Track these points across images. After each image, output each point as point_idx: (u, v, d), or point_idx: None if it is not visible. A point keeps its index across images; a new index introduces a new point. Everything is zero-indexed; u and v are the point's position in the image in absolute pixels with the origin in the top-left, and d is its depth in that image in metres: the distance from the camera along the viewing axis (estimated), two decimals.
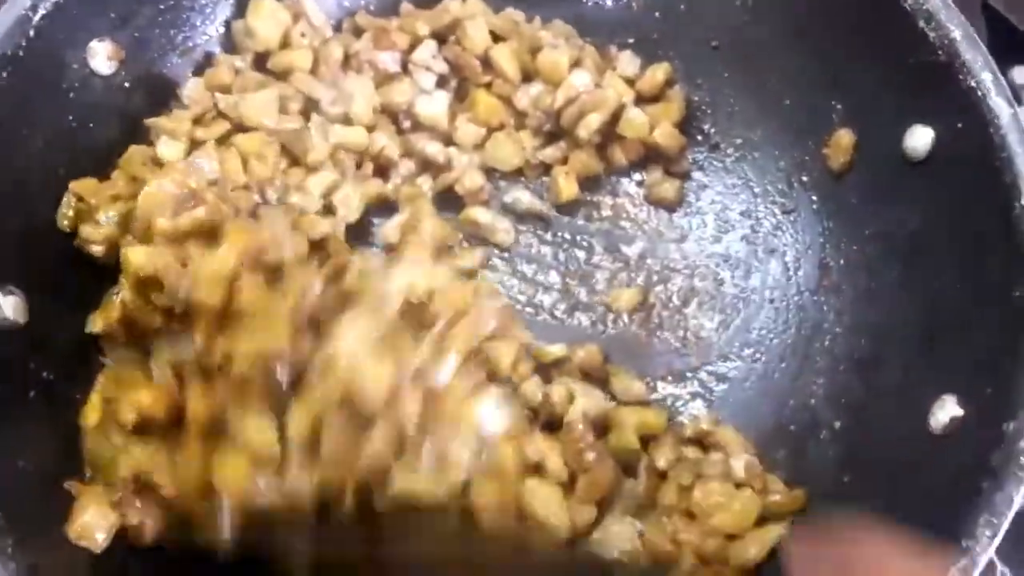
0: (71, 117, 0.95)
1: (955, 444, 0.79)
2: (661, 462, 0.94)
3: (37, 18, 0.89)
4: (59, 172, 0.93)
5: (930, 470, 0.80)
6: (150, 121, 1.01)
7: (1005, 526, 0.71)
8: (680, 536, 0.89)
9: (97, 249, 0.92)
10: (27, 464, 0.81)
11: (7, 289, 0.85)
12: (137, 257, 0.85)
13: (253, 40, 1.06)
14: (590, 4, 1.14)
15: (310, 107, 1.05)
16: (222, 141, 1.01)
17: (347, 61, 1.07)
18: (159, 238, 0.86)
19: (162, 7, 1.02)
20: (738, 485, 0.91)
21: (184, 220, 0.87)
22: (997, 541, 0.70)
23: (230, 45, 1.09)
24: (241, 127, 1.03)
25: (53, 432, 0.86)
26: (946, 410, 0.81)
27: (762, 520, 0.90)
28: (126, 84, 1.00)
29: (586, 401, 0.95)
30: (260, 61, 1.08)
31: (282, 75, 1.06)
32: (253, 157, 1.00)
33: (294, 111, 1.04)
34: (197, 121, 1.03)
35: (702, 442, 0.96)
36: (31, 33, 0.89)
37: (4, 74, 0.87)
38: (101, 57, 0.97)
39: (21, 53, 0.88)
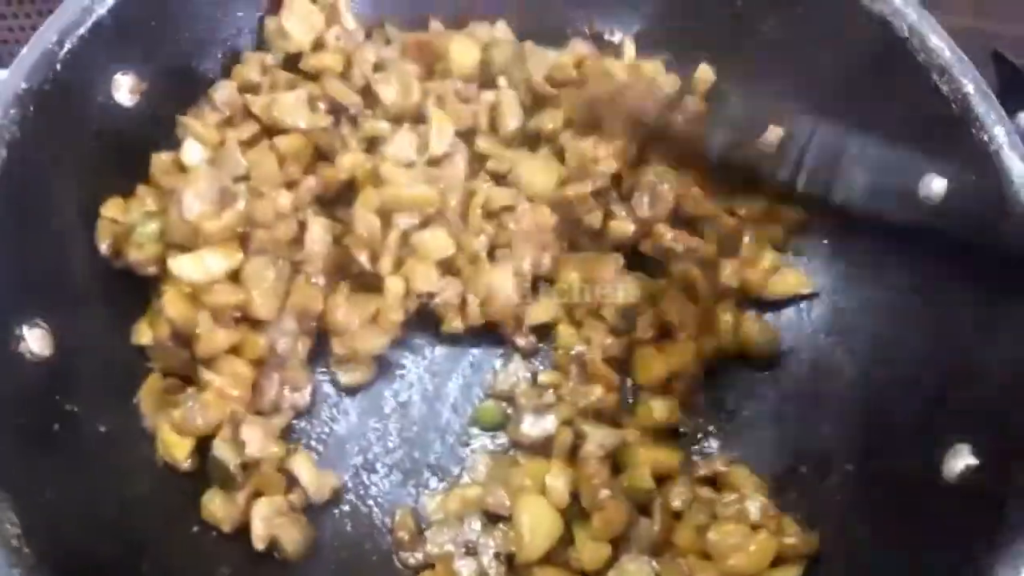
0: (95, 149, 0.95)
1: (969, 494, 0.80)
2: (676, 502, 0.95)
3: (63, 52, 0.90)
4: (86, 205, 0.94)
5: (944, 519, 0.81)
6: (182, 119, 1.02)
7: None
8: None
9: (150, 270, 0.95)
10: (53, 496, 0.81)
11: (33, 322, 0.86)
12: (182, 267, 0.91)
13: (286, 40, 1.06)
14: None
15: (339, 108, 1.06)
16: (251, 143, 1.02)
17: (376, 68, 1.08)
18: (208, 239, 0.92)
19: (185, 38, 1.03)
20: (753, 527, 0.92)
21: (228, 217, 0.92)
22: None
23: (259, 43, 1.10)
24: (272, 129, 1.03)
25: (77, 465, 0.86)
26: (960, 458, 0.82)
27: (777, 561, 0.91)
28: (148, 113, 1.01)
29: (601, 434, 0.96)
30: (289, 61, 1.08)
31: (313, 76, 1.07)
32: (290, 157, 1.02)
33: (322, 111, 1.05)
34: (227, 122, 1.04)
35: (715, 482, 0.97)
36: (57, 67, 0.89)
37: (31, 108, 0.87)
38: (124, 90, 0.98)
39: (47, 87, 0.89)
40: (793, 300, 1.07)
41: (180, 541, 0.91)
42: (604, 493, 0.92)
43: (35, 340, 0.85)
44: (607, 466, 0.94)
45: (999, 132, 0.86)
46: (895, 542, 0.85)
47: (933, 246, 0.92)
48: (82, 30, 0.90)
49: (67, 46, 0.90)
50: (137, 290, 0.98)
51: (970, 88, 0.88)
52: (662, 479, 0.96)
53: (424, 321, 1.04)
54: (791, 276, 1.07)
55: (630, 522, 0.93)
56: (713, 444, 1.03)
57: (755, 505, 0.92)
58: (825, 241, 1.07)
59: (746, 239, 1.06)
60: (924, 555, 0.80)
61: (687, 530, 0.93)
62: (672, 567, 0.91)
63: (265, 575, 0.93)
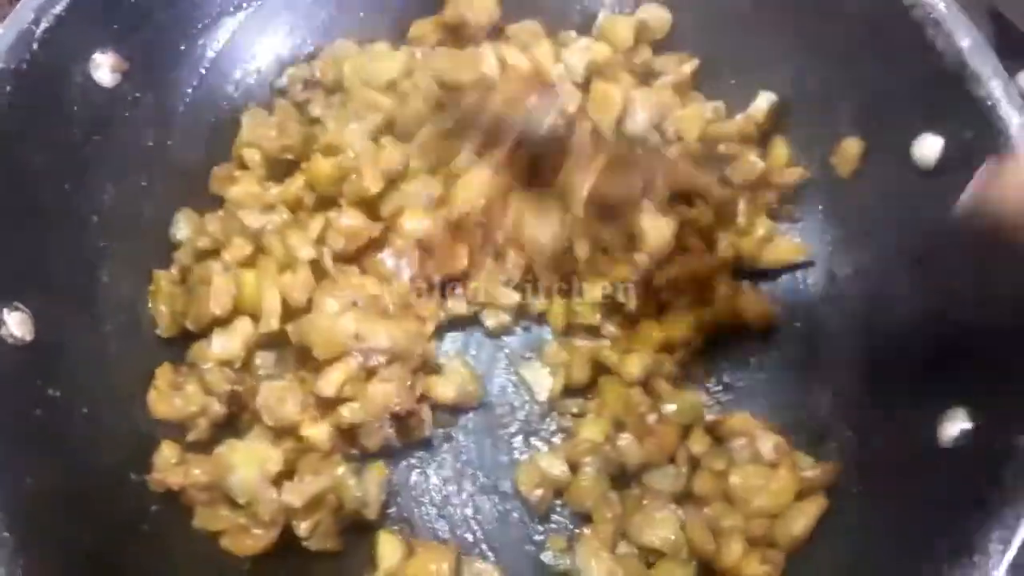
0: (76, 130, 0.95)
1: (965, 457, 0.79)
2: (695, 447, 0.94)
3: (40, 31, 0.89)
4: (65, 187, 0.93)
5: (941, 483, 0.80)
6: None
7: (1018, 541, 0.70)
8: (724, 524, 0.90)
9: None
10: (33, 482, 0.80)
11: (13, 306, 0.85)
12: None
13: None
14: None
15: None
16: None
17: None
18: None
19: (165, 17, 1.02)
20: (770, 465, 0.92)
21: None
22: (1010, 556, 0.70)
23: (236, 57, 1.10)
24: None
25: (59, 450, 0.86)
26: (956, 422, 0.80)
27: (800, 496, 0.90)
28: (130, 96, 1.00)
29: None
30: None
31: None
32: None
33: None
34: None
35: (715, 433, 0.97)
36: (34, 46, 0.88)
37: (8, 88, 0.86)
38: (105, 69, 0.97)
39: (25, 67, 0.88)
40: (788, 268, 1.05)
41: (166, 526, 0.91)
42: (652, 418, 0.94)
43: (16, 324, 0.85)
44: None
45: (996, 86, 0.84)
46: (893, 506, 0.84)
47: (928, 208, 0.91)
48: (59, 8, 0.89)
49: (44, 24, 0.89)
50: (120, 271, 0.97)
51: (966, 43, 0.86)
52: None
53: None
54: (786, 244, 1.05)
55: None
56: (711, 414, 1.01)
57: (767, 445, 0.92)
58: (820, 207, 1.04)
59: (740, 208, 1.04)
60: (921, 518, 0.79)
61: (706, 478, 0.93)
62: (696, 518, 0.91)
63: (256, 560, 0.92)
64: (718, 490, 0.93)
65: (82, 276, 0.94)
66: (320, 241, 0.99)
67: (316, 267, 0.98)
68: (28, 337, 0.85)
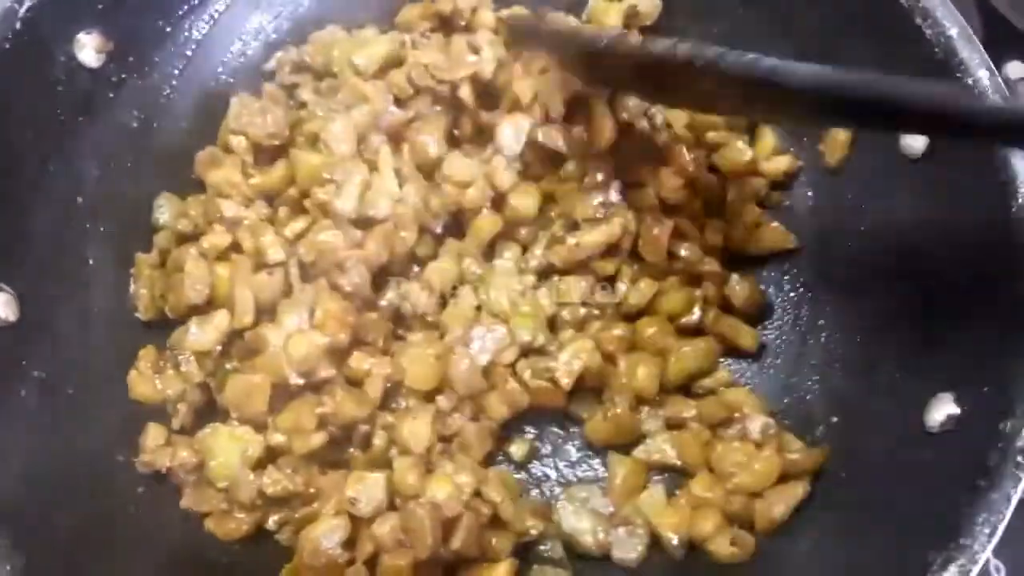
0: (60, 111, 0.94)
1: (952, 442, 0.79)
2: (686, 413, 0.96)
3: (23, 10, 0.88)
4: (49, 168, 0.92)
5: (927, 468, 0.80)
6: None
7: (1003, 525, 0.71)
8: (705, 495, 0.91)
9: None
10: (19, 464, 0.80)
11: None
12: None
13: None
14: None
15: None
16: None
17: None
18: None
19: None
20: (756, 445, 0.92)
21: None
22: (996, 540, 0.71)
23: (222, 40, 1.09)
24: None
25: (45, 431, 0.85)
26: (942, 408, 0.81)
27: (784, 478, 0.91)
28: (115, 77, 0.99)
29: None
30: None
31: None
32: None
33: None
34: None
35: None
36: (17, 26, 0.88)
37: None
38: (89, 49, 0.96)
39: (7, 46, 0.87)
40: (776, 255, 1.05)
41: (153, 507, 0.90)
42: None
43: (1, 305, 0.84)
44: None
45: (983, 75, 0.84)
46: (879, 490, 0.84)
47: (915, 196, 0.91)
48: None
49: (27, 3, 0.88)
50: (105, 253, 0.97)
51: (954, 32, 0.86)
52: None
53: None
54: (774, 232, 1.05)
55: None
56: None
57: (755, 424, 0.93)
58: (809, 194, 1.05)
59: (729, 195, 1.04)
60: (907, 502, 0.80)
61: (691, 443, 0.94)
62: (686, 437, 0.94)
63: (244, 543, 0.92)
64: (702, 459, 0.93)
65: (67, 257, 0.94)
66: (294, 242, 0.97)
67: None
68: (12, 318, 0.85)
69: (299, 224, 0.97)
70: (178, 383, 0.94)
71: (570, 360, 0.94)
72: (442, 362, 0.92)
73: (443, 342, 0.94)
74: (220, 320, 0.94)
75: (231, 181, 1.01)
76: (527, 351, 0.96)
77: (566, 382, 0.93)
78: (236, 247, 0.97)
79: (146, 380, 0.95)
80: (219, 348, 0.94)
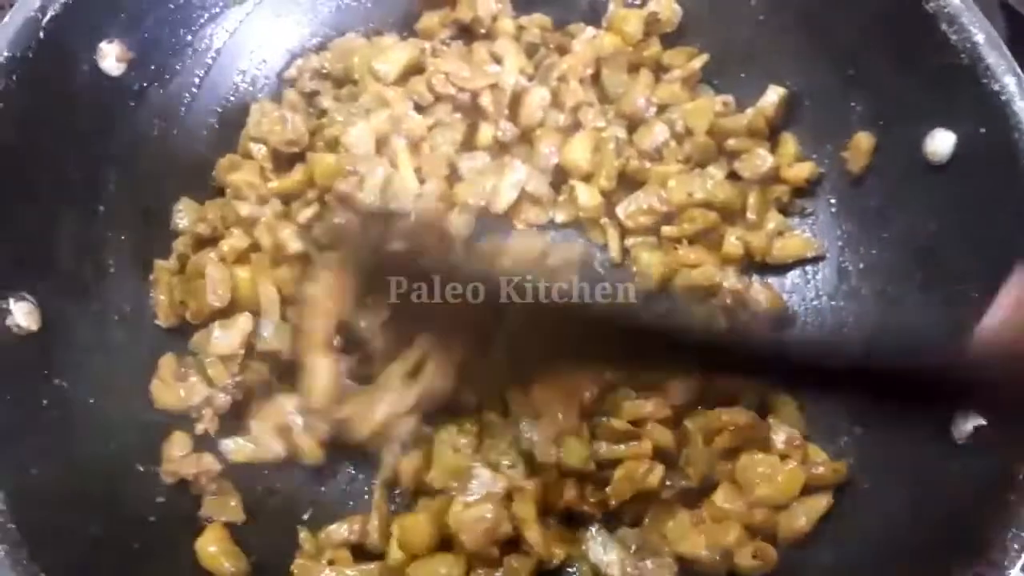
0: (82, 120, 0.94)
1: (979, 454, 0.78)
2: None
3: (46, 20, 0.88)
4: (70, 176, 0.92)
5: (954, 480, 0.79)
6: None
7: None
8: (726, 507, 0.89)
9: None
10: (39, 473, 0.80)
11: (19, 295, 0.85)
12: None
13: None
14: None
15: None
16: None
17: None
18: None
19: (172, 7, 1.01)
20: (781, 456, 0.91)
21: None
22: None
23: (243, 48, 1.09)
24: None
25: (65, 441, 0.85)
26: (969, 419, 0.80)
27: (807, 490, 0.90)
28: (136, 86, 0.99)
29: None
30: None
31: None
32: None
33: None
34: None
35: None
36: (40, 35, 0.88)
37: (14, 77, 0.86)
38: (111, 59, 0.96)
39: (30, 55, 0.87)
40: (799, 263, 1.04)
41: (172, 517, 0.90)
42: None
43: (23, 315, 0.85)
44: None
45: (1010, 81, 0.83)
46: (904, 503, 0.83)
47: (940, 203, 0.90)
48: None
49: (50, 13, 0.88)
50: (126, 261, 0.97)
51: (980, 37, 0.86)
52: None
53: None
54: (797, 239, 1.04)
55: None
56: None
57: (780, 436, 0.91)
58: (832, 201, 1.04)
59: (750, 203, 1.03)
60: (934, 516, 0.79)
61: (713, 456, 0.92)
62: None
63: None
64: (725, 471, 0.92)
65: (88, 266, 0.94)
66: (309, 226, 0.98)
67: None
68: (34, 327, 0.85)
69: (310, 211, 0.99)
70: (202, 389, 0.94)
71: None
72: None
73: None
74: (243, 323, 0.94)
75: (249, 182, 1.02)
76: None
77: None
78: (255, 247, 0.98)
79: (170, 389, 0.94)
80: (243, 351, 0.94)
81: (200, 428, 0.94)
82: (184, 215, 1.03)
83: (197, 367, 0.95)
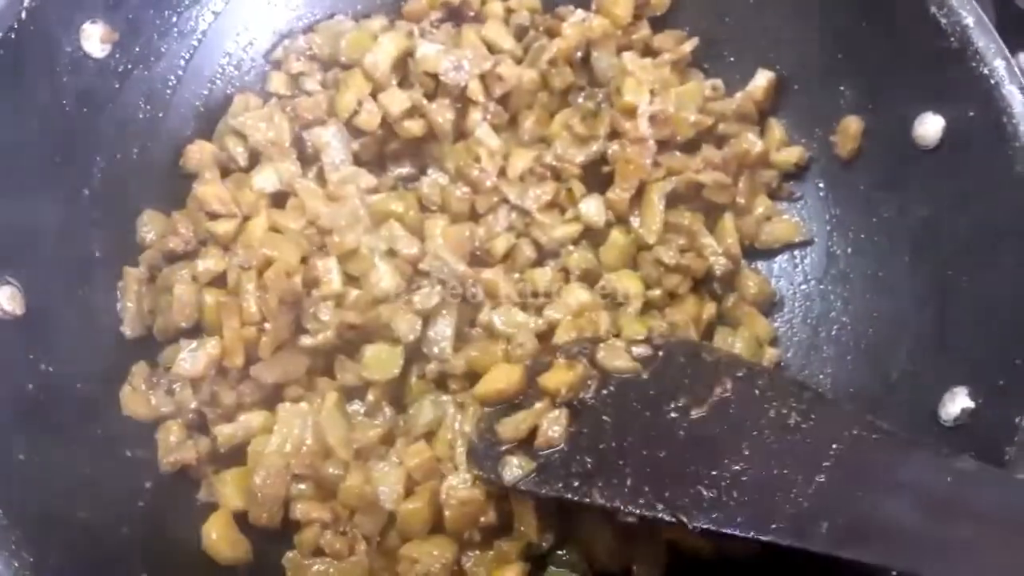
0: (65, 101, 0.93)
1: (967, 437, 0.79)
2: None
3: (27, 0, 0.86)
4: (55, 159, 0.91)
5: None
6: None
7: None
8: None
9: None
10: (26, 458, 0.79)
11: (3, 279, 0.84)
12: None
13: None
14: None
15: None
16: None
17: None
18: None
19: None
20: None
21: None
22: None
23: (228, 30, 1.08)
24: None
25: (53, 425, 0.84)
26: (957, 402, 0.80)
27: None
28: (121, 67, 0.98)
29: None
30: None
31: None
32: None
33: None
34: None
35: None
36: (23, 15, 0.87)
37: None
38: (95, 39, 0.95)
39: (13, 36, 0.86)
40: (787, 247, 1.04)
41: (162, 503, 0.90)
42: None
43: (6, 298, 0.84)
44: None
45: (999, 65, 0.83)
46: None
47: (929, 187, 0.91)
48: None
49: None
50: (111, 246, 0.96)
51: (969, 20, 0.85)
52: None
53: None
54: (785, 224, 1.04)
55: None
56: None
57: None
58: (821, 184, 1.04)
59: (739, 187, 1.03)
60: None
61: None
62: None
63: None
64: None
65: (73, 250, 0.93)
66: None
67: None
68: (19, 311, 0.84)
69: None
70: (171, 404, 0.93)
71: None
72: None
73: None
74: (212, 348, 0.92)
75: (219, 196, 0.99)
76: None
77: None
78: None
79: (139, 397, 0.92)
80: (212, 373, 0.92)
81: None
82: (150, 228, 0.99)
83: (167, 387, 0.93)
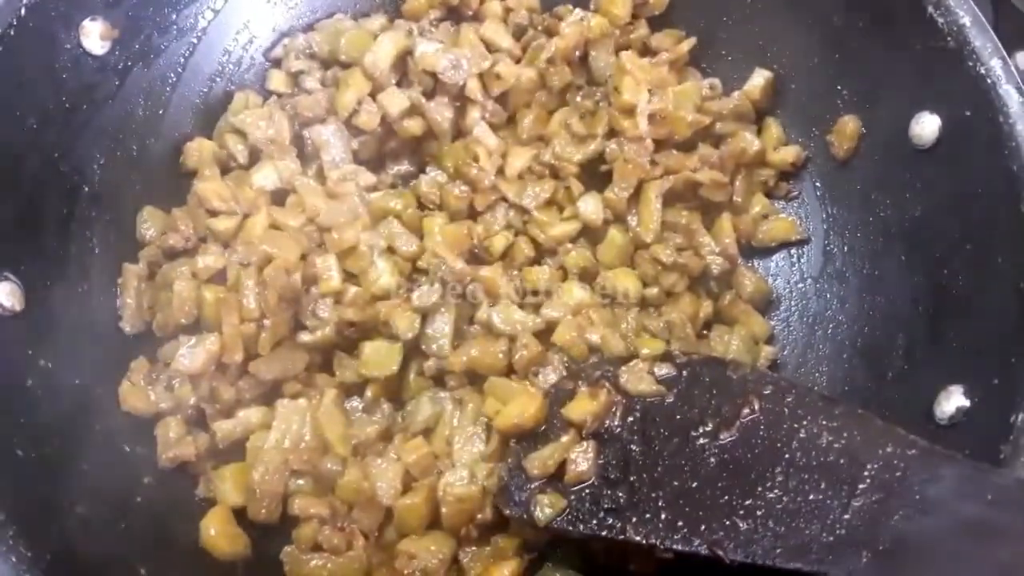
0: (65, 99, 0.93)
1: (962, 435, 0.79)
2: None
3: None
4: (54, 155, 0.91)
5: None
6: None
7: None
8: None
9: None
10: (25, 454, 0.79)
11: (2, 275, 0.84)
12: None
13: None
14: None
15: None
16: None
17: None
18: None
19: None
20: None
21: None
22: None
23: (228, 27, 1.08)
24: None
25: (51, 420, 0.84)
26: (952, 400, 0.81)
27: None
28: (120, 65, 0.98)
29: None
30: None
31: None
32: None
33: None
34: None
35: None
36: (22, 12, 0.87)
37: None
38: (94, 37, 0.95)
39: (12, 32, 0.86)
40: (784, 246, 1.05)
41: (159, 498, 0.90)
42: None
43: (5, 294, 0.84)
44: None
45: (996, 64, 0.83)
46: None
47: (925, 187, 0.91)
48: None
49: None
50: (110, 241, 0.97)
51: (966, 20, 0.86)
52: None
53: None
54: (782, 223, 1.04)
55: None
56: None
57: None
58: (818, 184, 1.04)
59: (736, 186, 1.04)
60: None
61: None
62: None
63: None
64: None
65: (73, 246, 0.93)
66: None
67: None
68: (18, 307, 0.85)
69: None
70: (170, 399, 0.93)
71: None
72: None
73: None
74: (211, 344, 0.92)
75: (219, 193, 0.99)
76: None
77: None
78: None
79: (138, 392, 0.92)
80: (212, 368, 0.92)
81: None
82: (150, 225, 1.00)
83: (166, 383, 0.93)
